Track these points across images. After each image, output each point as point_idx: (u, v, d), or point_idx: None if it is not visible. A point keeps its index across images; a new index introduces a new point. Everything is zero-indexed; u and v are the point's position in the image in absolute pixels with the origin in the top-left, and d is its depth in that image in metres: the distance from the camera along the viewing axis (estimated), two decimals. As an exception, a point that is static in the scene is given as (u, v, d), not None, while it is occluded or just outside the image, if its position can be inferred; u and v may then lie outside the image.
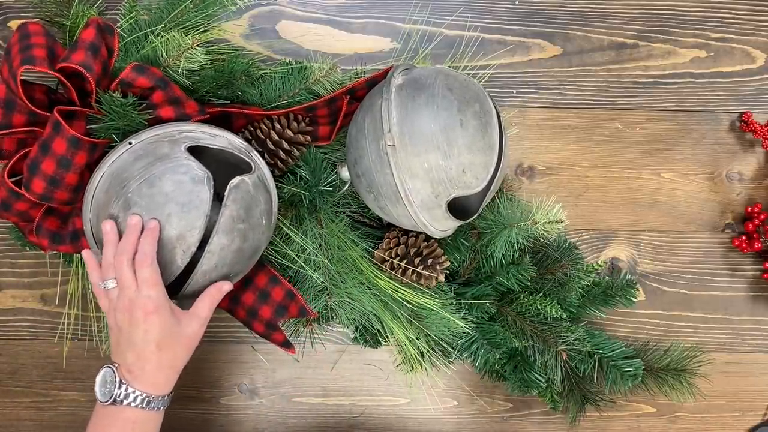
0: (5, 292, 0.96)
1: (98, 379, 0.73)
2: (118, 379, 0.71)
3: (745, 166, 1.00)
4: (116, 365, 0.73)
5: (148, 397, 0.72)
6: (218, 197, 0.75)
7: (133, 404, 0.71)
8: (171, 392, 0.75)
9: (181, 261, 0.74)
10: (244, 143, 0.81)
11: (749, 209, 0.99)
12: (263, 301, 0.88)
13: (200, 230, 0.73)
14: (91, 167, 0.79)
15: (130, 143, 0.76)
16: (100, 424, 0.72)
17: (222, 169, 0.82)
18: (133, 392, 0.71)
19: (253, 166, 0.78)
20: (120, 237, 0.73)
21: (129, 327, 0.72)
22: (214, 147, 0.78)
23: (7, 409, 0.98)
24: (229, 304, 0.90)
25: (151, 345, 0.72)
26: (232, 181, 0.74)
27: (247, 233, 0.76)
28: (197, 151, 0.78)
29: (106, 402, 0.71)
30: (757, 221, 0.98)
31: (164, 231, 0.72)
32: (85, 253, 0.76)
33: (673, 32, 0.98)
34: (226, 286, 0.77)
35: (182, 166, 0.73)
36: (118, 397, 0.71)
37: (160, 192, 0.72)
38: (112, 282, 0.73)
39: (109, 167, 0.76)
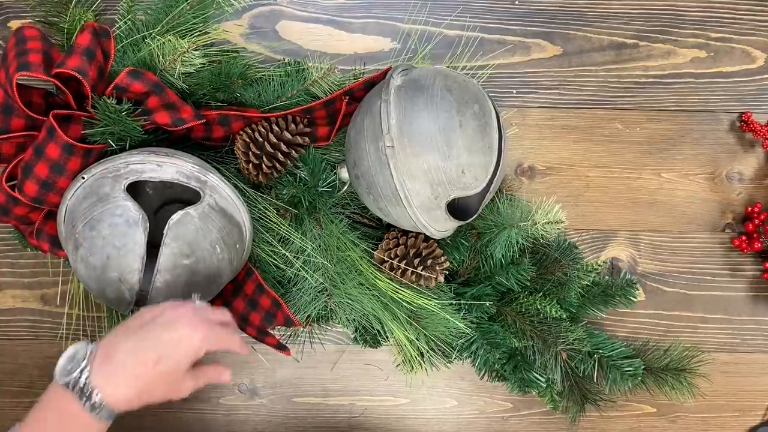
0: (5, 292, 0.97)
1: (66, 353, 0.65)
2: (85, 365, 0.63)
3: (745, 166, 1.00)
4: (94, 349, 0.65)
5: (101, 403, 0.63)
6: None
7: (85, 405, 0.62)
8: (111, 418, 0.65)
9: (130, 297, 0.75)
10: (198, 166, 0.78)
11: (749, 209, 0.99)
12: (252, 308, 0.88)
13: (139, 271, 0.73)
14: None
15: (83, 178, 0.76)
16: (45, 412, 0.64)
17: (176, 194, 0.84)
18: (92, 389, 0.63)
19: (202, 195, 0.77)
20: None
21: (162, 323, 0.65)
22: (157, 180, 0.76)
23: (7, 409, 0.98)
24: None
25: (155, 353, 0.64)
26: (172, 217, 0.74)
27: (196, 266, 0.76)
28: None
29: (59, 382, 0.63)
30: (757, 221, 0.98)
31: (107, 272, 0.73)
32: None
33: (673, 32, 0.98)
34: (225, 377, 0.71)
35: (119, 207, 0.73)
36: (73, 381, 0.63)
37: (99, 235, 0.73)
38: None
39: (68, 201, 0.77)
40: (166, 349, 0.65)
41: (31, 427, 0.64)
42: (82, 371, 0.63)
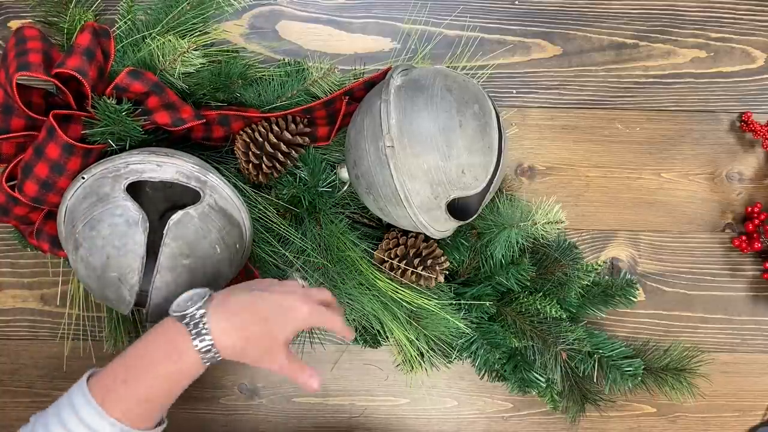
0: (5, 292, 0.97)
1: (186, 293, 0.70)
2: (203, 304, 0.67)
3: (745, 166, 1.00)
4: (213, 293, 0.69)
5: (209, 343, 0.66)
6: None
7: (195, 341, 0.65)
8: (212, 360, 0.67)
9: (130, 297, 0.75)
10: (198, 166, 0.79)
11: (749, 209, 0.99)
12: None
13: (139, 271, 0.73)
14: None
15: (83, 178, 0.76)
16: (154, 345, 0.67)
17: (177, 194, 0.85)
18: (206, 327, 0.65)
19: (201, 195, 0.77)
20: None
21: (278, 291, 0.69)
22: (157, 180, 0.77)
23: (7, 409, 0.98)
24: None
25: (267, 312, 0.68)
26: (172, 217, 0.74)
27: (196, 266, 0.76)
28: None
29: (175, 313, 0.67)
30: (757, 221, 0.98)
31: (107, 272, 0.74)
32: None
33: (673, 32, 0.98)
34: (313, 383, 0.71)
35: (119, 207, 0.73)
36: (189, 316, 0.66)
37: (99, 235, 0.73)
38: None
39: (68, 201, 0.77)
40: (277, 310, 0.68)
41: (137, 349, 0.67)
42: (198, 308, 0.66)
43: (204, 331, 0.66)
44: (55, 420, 0.65)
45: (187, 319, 0.66)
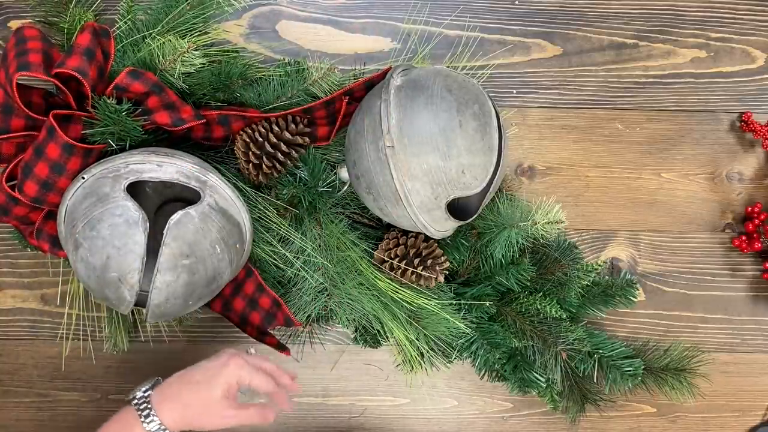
0: (5, 292, 0.97)
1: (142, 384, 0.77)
2: (149, 387, 0.75)
3: (745, 166, 1.00)
4: (159, 381, 0.77)
5: (153, 420, 0.72)
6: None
7: (144, 422, 0.72)
8: None
9: (130, 297, 0.75)
10: (198, 166, 0.79)
11: (749, 209, 0.99)
12: (252, 308, 0.88)
13: (139, 271, 0.73)
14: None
15: (83, 178, 0.76)
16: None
17: (177, 194, 0.85)
18: (149, 406, 0.73)
19: (202, 195, 0.77)
20: None
21: (210, 359, 0.77)
22: (157, 180, 0.77)
23: (7, 409, 0.98)
24: (223, 309, 0.90)
25: (197, 376, 0.75)
26: (172, 217, 0.74)
27: (196, 266, 0.76)
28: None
29: (127, 400, 0.74)
30: (757, 221, 0.98)
31: (107, 272, 0.74)
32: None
33: (673, 32, 0.98)
34: (269, 417, 0.78)
35: (119, 207, 0.73)
36: (137, 399, 0.73)
37: (99, 235, 0.73)
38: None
39: (68, 201, 0.77)
40: (205, 372, 0.76)
41: None
42: (144, 391, 0.74)
43: (150, 411, 0.72)
44: None
45: (135, 401, 0.73)
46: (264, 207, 0.90)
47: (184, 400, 0.74)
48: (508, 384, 0.95)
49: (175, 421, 0.73)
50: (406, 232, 0.89)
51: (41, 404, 0.98)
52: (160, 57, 0.80)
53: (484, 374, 0.97)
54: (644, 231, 1.00)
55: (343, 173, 0.90)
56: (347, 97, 0.86)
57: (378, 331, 0.93)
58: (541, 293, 0.93)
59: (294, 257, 0.89)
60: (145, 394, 0.74)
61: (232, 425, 0.75)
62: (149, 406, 0.73)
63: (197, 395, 0.74)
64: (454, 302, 0.91)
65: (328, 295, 0.90)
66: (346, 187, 0.91)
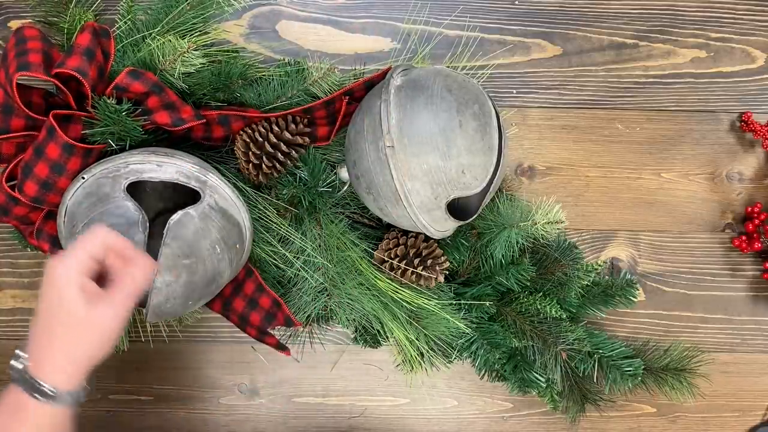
0: (5, 292, 0.97)
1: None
2: (18, 356, 0.63)
3: (745, 166, 1.00)
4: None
5: (36, 380, 0.61)
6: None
7: (23, 388, 0.61)
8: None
9: None
10: (198, 166, 0.79)
11: (749, 209, 0.99)
12: (252, 308, 0.88)
13: None
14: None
15: (83, 178, 0.76)
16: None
17: (178, 193, 0.84)
18: (29, 372, 0.62)
19: (202, 195, 0.77)
20: None
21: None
22: (157, 180, 0.76)
23: (8, 409, 0.98)
24: (222, 309, 0.90)
25: (40, 305, 0.62)
26: (172, 217, 0.74)
27: (196, 266, 0.76)
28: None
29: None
30: (757, 221, 0.98)
31: None
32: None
33: (673, 32, 0.98)
34: (145, 273, 0.65)
35: (119, 207, 0.73)
36: (14, 374, 0.63)
37: None
38: None
39: (68, 201, 0.77)
40: (44, 296, 0.62)
41: None
42: (18, 359, 0.63)
43: (35, 382, 0.61)
44: None
45: (13, 378, 0.62)
46: (264, 207, 0.90)
47: (57, 344, 0.61)
48: (508, 384, 0.95)
49: (68, 374, 0.62)
50: (406, 232, 0.89)
51: (41, 404, 0.98)
52: (160, 57, 0.80)
53: (484, 374, 0.97)
54: (644, 231, 1.00)
55: (343, 173, 0.90)
56: (347, 97, 0.86)
57: (378, 331, 0.93)
58: (541, 293, 0.93)
59: (294, 257, 0.89)
60: (20, 366, 0.62)
61: (122, 317, 0.63)
62: (31, 375, 0.61)
63: (58, 324, 0.61)
64: (454, 302, 0.91)
65: (328, 295, 0.90)
66: (346, 187, 0.91)
